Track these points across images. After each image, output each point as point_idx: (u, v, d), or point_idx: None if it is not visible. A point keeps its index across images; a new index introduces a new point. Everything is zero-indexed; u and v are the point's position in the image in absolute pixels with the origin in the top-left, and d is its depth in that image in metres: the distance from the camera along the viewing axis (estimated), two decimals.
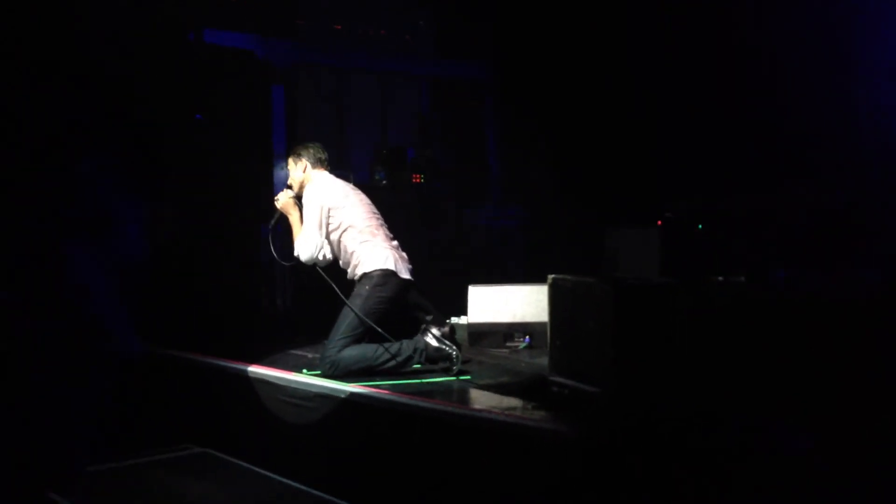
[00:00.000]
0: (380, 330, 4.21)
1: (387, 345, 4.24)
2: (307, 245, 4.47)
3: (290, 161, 4.72)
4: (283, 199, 4.61)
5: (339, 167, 5.95)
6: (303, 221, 4.53)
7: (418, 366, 4.27)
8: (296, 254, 4.51)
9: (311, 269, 4.52)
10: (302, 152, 4.68)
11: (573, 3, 6.74)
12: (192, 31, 6.22)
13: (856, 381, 3.00)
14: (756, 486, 2.55)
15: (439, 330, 4.35)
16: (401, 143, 7.56)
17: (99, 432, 4.29)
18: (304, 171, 4.65)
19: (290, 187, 4.68)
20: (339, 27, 7.46)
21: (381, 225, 4.59)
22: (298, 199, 4.63)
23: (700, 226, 4.63)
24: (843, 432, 2.73)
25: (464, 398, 3.78)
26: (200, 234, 6.04)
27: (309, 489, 3.78)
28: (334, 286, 4.34)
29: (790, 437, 2.71)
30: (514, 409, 3.42)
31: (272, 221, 4.70)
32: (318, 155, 4.67)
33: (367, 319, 4.24)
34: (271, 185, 6.42)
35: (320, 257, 4.51)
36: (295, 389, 4.05)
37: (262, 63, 6.69)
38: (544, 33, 7.00)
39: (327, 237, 4.51)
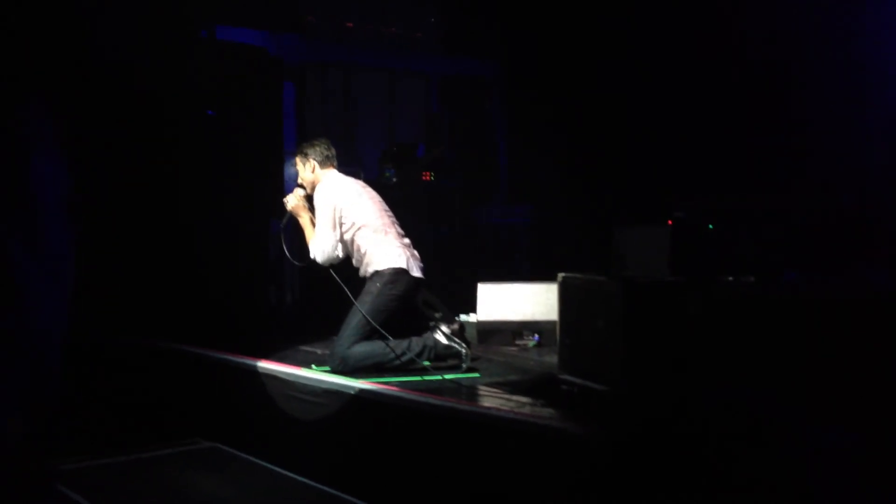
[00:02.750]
0: (383, 331, 4.21)
1: (396, 342, 4.24)
2: (323, 246, 4.45)
3: (298, 161, 4.66)
4: (294, 201, 4.58)
5: (348, 164, 5.95)
6: (315, 222, 4.52)
7: (427, 363, 4.28)
8: (312, 256, 4.50)
9: (323, 269, 4.52)
10: (308, 151, 4.62)
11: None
12: (205, 28, 6.24)
13: (865, 381, 2.99)
14: (765, 486, 2.55)
15: (449, 327, 4.37)
16: (410, 141, 7.55)
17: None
18: (313, 171, 4.61)
19: (301, 187, 4.66)
20: (349, 24, 7.47)
21: (394, 223, 4.58)
22: (309, 198, 4.62)
23: (711, 225, 4.61)
24: (852, 433, 2.72)
25: (472, 396, 3.78)
26: (210, 230, 6.06)
27: (317, 484, 3.78)
28: (344, 287, 4.34)
29: (800, 438, 2.71)
30: (523, 407, 3.43)
31: (283, 220, 4.69)
32: (326, 152, 4.62)
33: (372, 322, 4.23)
34: (282, 182, 6.43)
35: (337, 255, 4.51)
36: (304, 385, 4.06)
37: (274, 60, 6.70)
38: (554, 30, 6.98)
39: (340, 236, 4.51)
